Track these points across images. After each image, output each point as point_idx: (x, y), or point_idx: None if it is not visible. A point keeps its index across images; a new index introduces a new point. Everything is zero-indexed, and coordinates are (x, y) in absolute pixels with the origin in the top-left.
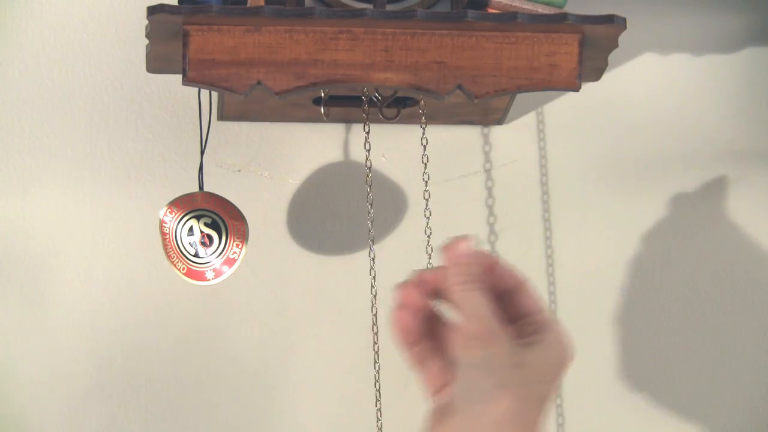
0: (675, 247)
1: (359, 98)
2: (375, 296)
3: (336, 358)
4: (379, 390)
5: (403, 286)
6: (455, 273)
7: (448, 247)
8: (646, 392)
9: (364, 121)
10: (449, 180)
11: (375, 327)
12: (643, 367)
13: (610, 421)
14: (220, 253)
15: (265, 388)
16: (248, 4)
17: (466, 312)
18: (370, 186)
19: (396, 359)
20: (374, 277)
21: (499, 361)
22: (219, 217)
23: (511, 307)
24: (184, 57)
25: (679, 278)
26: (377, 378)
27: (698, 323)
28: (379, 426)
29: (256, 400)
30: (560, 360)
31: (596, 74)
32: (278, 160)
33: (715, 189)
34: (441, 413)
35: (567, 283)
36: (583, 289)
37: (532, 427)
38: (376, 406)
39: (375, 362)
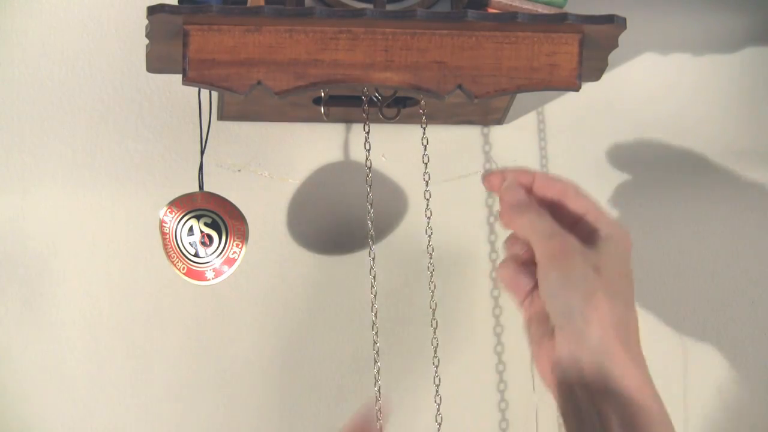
0: (674, 246)
1: (359, 98)
2: (375, 296)
3: (336, 358)
4: (379, 390)
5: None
6: (506, 209)
7: (489, 183)
8: None
9: (364, 121)
10: (449, 180)
11: (375, 327)
12: None
13: None
14: (220, 253)
15: (265, 388)
16: (248, 4)
17: (533, 236)
18: (370, 186)
19: (395, 360)
20: (374, 277)
21: (581, 270)
22: (219, 217)
23: (565, 212)
24: (184, 57)
25: (678, 277)
26: (377, 378)
27: (698, 323)
28: (379, 427)
29: (256, 400)
30: (626, 250)
31: (596, 74)
32: (278, 160)
33: (716, 189)
34: (539, 336)
35: None
36: None
37: (630, 321)
38: (375, 406)
39: (375, 362)
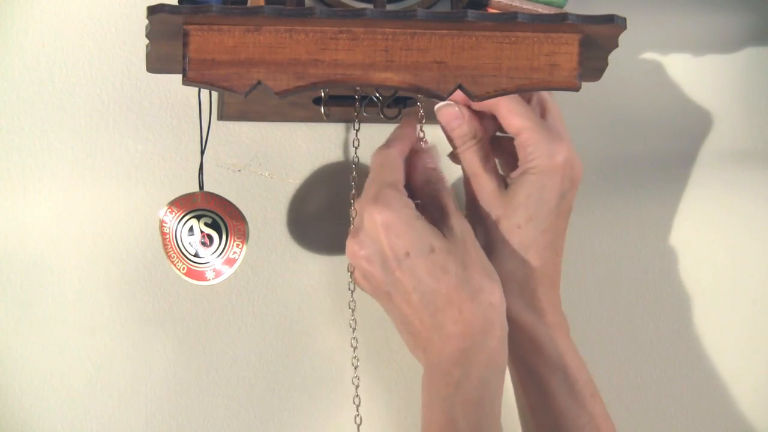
0: (674, 246)
1: (360, 98)
2: (353, 292)
3: (338, 357)
4: (357, 391)
5: None
6: (450, 139)
7: (438, 115)
8: (644, 392)
9: (355, 120)
10: (450, 179)
11: (353, 320)
12: (642, 367)
13: None
14: (221, 253)
15: (265, 388)
16: (248, 4)
17: (468, 173)
18: (355, 183)
19: (388, 356)
20: (351, 274)
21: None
22: (219, 217)
23: (507, 127)
24: (184, 57)
25: (679, 277)
26: (356, 378)
27: (699, 323)
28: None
29: (256, 400)
30: (552, 182)
31: (596, 74)
32: (278, 160)
33: (715, 189)
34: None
35: (566, 282)
36: (581, 288)
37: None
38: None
39: (353, 360)
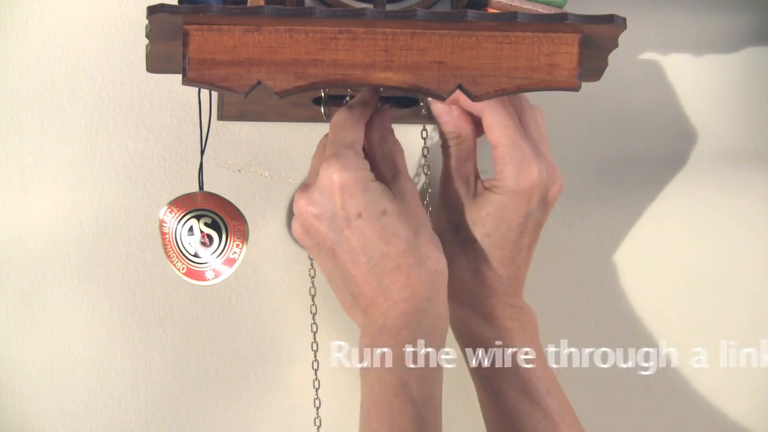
0: (674, 246)
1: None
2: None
3: (337, 358)
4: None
5: None
6: (439, 133)
7: (432, 106)
8: (643, 391)
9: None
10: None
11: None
12: (640, 367)
13: (602, 425)
14: (220, 253)
15: (264, 389)
16: (248, 4)
17: (443, 173)
18: None
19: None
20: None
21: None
22: (219, 217)
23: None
24: (184, 57)
25: (678, 277)
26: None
27: (698, 322)
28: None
29: (256, 401)
30: (518, 200)
31: (596, 74)
32: (278, 160)
33: (715, 189)
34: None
35: (565, 282)
36: (581, 288)
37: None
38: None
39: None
